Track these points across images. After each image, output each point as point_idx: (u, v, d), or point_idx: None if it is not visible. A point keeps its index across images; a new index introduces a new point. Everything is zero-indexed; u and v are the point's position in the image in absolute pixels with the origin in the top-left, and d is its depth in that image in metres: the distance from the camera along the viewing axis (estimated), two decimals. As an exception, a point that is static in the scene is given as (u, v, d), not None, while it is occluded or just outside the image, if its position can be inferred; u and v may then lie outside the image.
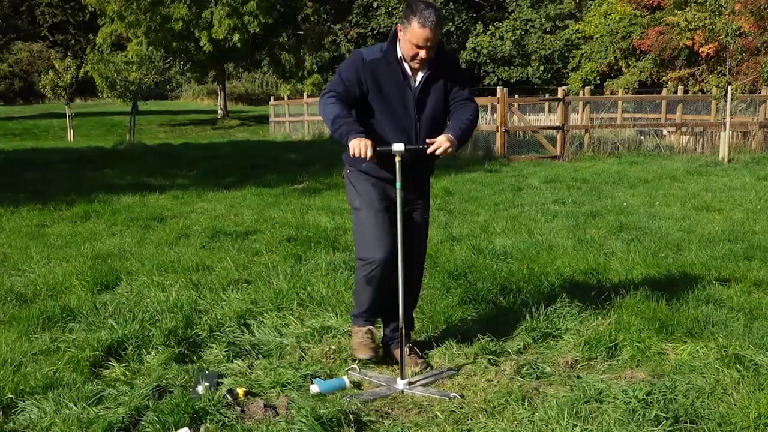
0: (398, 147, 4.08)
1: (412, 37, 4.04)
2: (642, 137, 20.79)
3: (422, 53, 4.07)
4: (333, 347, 4.72)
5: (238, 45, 41.05)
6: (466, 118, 4.27)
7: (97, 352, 4.47)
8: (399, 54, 4.17)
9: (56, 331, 5.04)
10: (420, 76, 4.20)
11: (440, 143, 4.10)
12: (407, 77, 4.19)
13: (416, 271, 4.61)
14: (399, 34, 4.16)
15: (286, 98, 37.77)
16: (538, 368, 4.37)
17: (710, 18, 18.43)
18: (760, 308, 5.30)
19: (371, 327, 4.46)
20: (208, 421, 3.69)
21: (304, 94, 37.61)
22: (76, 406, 3.82)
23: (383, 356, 4.56)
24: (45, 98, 46.62)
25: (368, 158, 3.97)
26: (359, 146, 3.97)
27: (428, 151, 4.11)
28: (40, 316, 5.22)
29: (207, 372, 4.31)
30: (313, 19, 47.20)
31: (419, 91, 4.20)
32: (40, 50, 61.00)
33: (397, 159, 4.09)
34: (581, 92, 29.95)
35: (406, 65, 4.18)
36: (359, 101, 4.20)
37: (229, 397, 3.92)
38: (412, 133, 4.21)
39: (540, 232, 8.28)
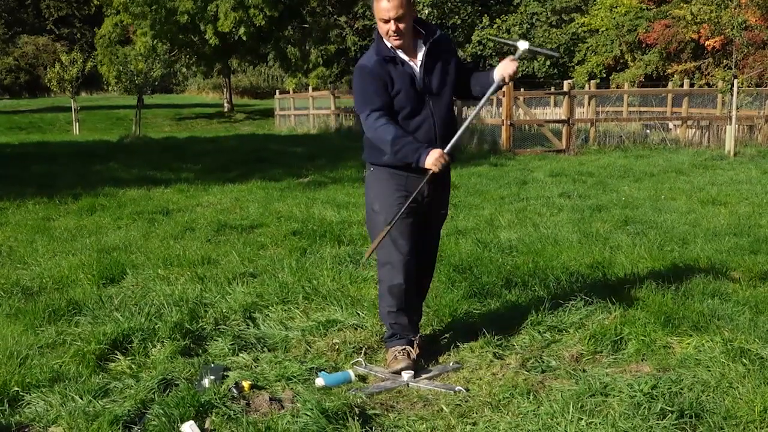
0: (523, 45, 4.20)
1: (377, 14, 4.07)
2: (648, 131, 20.73)
3: (391, 26, 4.04)
4: (338, 341, 4.72)
5: (244, 38, 41.01)
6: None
7: (103, 345, 4.49)
8: (389, 44, 4.15)
9: (62, 324, 5.05)
10: (420, 56, 4.17)
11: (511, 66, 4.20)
12: (405, 64, 4.15)
13: (430, 263, 4.65)
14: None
15: (291, 92, 37.72)
16: (543, 362, 4.37)
17: (716, 11, 18.39)
18: (765, 302, 5.29)
19: (407, 346, 4.38)
20: (213, 414, 3.70)
21: (310, 88, 37.57)
22: (81, 399, 3.84)
23: None
24: (51, 92, 46.71)
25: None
26: (438, 161, 4.05)
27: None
28: (45, 310, 5.23)
29: (212, 365, 4.33)
30: (318, 11, 47.12)
31: (422, 71, 4.17)
32: (45, 44, 61.01)
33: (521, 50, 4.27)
34: (587, 86, 29.90)
35: (400, 53, 4.16)
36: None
37: (235, 391, 3.93)
38: (429, 115, 4.19)
39: (545, 225, 8.27)
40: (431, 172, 4.07)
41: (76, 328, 4.94)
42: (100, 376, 4.20)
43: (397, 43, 4.11)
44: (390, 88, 4.13)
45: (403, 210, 4.16)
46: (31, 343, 4.66)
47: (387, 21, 4.05)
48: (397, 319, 4.36)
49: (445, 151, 4.10)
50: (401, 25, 4.06)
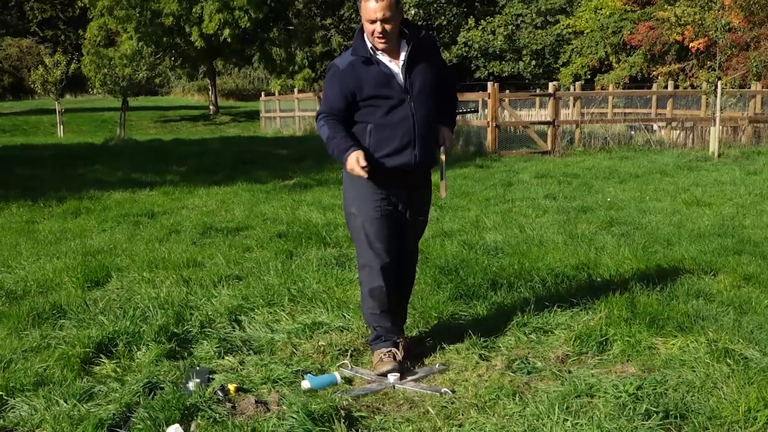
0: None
1: (364, 14, 4.02)
2: (632, 132, 20.81)
3: (377, 28, 4.00)
4: (324, 343, 4.72)
5: (229, 40, 40.96)
6: (454, 110, 4.51)
7: (88, 349, 4.47)
8: (369, 45, 4.12)
9: (46, 327, 5.02)
10: (402, 57, 4.14)
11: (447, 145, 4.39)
12: (381, 64, 4.11)
13: (409, 271, 4.64)
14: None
15: (276, 94, 37.68)
16: (529, 363, 4.38)
17: (700, 13, 18.45)
18: (749, 302, 5.32)
19: (392, 348, 4.37)
20: (199, 417, 3.69)
21: (295, 90, 37.52)
22: (66, 402, 3.82)
23: None
24: (35, 94, 46.45)
25: (363, 169, 3.99)
26: (351, 161, 4.02)
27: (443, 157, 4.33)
28: (30, 313, 5.20)
29: (198, 368, 4.31)
30: (304, 13, 47.12)
31: (404, 71, 4.14)
32: (29, 46, 60.56)
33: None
34: (572, 87, 30.02)
35: (379, 54, 4.12)
36: (353, 108, 4.16)
37: (221, 394, 3.92)
38: (408, 115, 4.15)
39: (531, 227, 8.29)
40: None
41: (61, 331, 4.92)
42: (85, 379, 4.18)
43: (382, 45, 4.07)
44: (359, 92, 4.10)
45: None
46: (15, 347, 4.64)
47: (374, 22, 4.00)
48: (380, 321, 4.36)
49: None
50: (388, 27, 4.02)
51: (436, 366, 4.40)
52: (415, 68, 4.17)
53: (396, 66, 4.14)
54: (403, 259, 4.47)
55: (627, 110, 25.59)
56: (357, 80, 4.10)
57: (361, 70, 4.10)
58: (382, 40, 4.06)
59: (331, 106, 4.18)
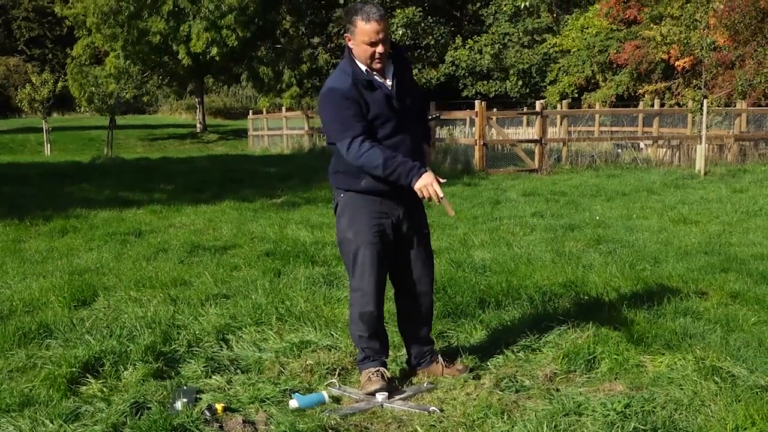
0: None
1: (363, 37, 3.98)
2: (619, 150, 20.91)
3: (379, 48, 3.99)
4: (312, 362, 4.70)
5: (217, 59, 41.02)
6: (427, 125, 4.57)
7: (74, 369, 4.44)
8: (364, 68, 4.09)
9: (33, 347, 4.99)
10: (389, 76, 4.15)
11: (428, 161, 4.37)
12: (380, 86, 4.11)
13: (428, 285, 4.51)
14: (350, 45, 4.10)
15: (264, 112, 37.71)
16: (517, 381, 4.38)
17: (686, 32, 18.63)
18: (736, 320, 5.34)
19: (380, 368, 4.34)
20: (186, 437, 3.67)
21: (283, 108, 37.56)
22: (52, 423, 3.79)
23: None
24: (22, 113, 46.34)
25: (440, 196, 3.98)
26: (427, 179, 4.00)
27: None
28: (16, 333, 5.16)
29: (185, 388, 4.29)
30: (291, 33, 47.23)
31: (396, 91, 4.14)
32: (16, 64, 60.53)
33: None
34: (559, 105, 30.14)
35: (375, 75, 4.11)
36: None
37: (208, 413, 3.90)
38: (407, 136, 4.17)
39: (518, 245, 8.30)
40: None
41: (47, 351, 4.89)
42: (71, 399, 4.15)
43: (380, 65, 4.06)
44: (366, 113, 4.05)
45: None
46: (1, 367, 4.61)
47: (375, 44, 3.98)
48: (369, 343, 4.35)
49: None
50: (387, 47, 4.03)
51: (425, 385, 4.40)
52: (403, 86, 4.19)
53: (387, 86, 4.14)
54: (421, 279, 4.42)
55: (614, 128, 25.71)
56: (364, 103, 4.04)
57: (365, 94, 4.04)
58: (381, 61, 4.05)
59: (360, 127, 4.03)
